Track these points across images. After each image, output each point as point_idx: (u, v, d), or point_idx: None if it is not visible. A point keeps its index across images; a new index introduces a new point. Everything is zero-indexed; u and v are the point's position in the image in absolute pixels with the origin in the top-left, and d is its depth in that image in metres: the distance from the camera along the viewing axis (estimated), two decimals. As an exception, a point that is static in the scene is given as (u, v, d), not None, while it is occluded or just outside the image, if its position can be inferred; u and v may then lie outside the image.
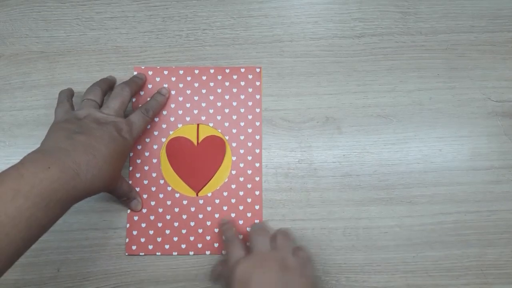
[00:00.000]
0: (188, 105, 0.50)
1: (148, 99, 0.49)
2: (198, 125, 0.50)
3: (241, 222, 0.48)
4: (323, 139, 0.50)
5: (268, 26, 0.53)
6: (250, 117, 0.50)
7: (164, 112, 0.50)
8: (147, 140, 0.49)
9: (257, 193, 0.48)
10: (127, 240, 0.47)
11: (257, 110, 0.50)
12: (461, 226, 0.48)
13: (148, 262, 0.47)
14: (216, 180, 0.49)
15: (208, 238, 0.47)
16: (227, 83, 0.51)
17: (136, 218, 0.48)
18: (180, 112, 0.50)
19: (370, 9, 0.53)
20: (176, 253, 0.47)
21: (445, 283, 0.47)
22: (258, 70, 0.51)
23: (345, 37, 0.52)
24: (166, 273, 0.47)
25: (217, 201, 0.48)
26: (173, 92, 0.51)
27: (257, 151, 0.49)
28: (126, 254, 0.47)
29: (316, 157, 0.50)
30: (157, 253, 0.47)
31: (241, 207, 0.48)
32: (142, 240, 0.47)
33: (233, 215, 0.48)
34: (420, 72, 0.52)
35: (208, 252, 0.47)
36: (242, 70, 0.51)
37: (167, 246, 0.47)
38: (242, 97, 0.50)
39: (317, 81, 0.51)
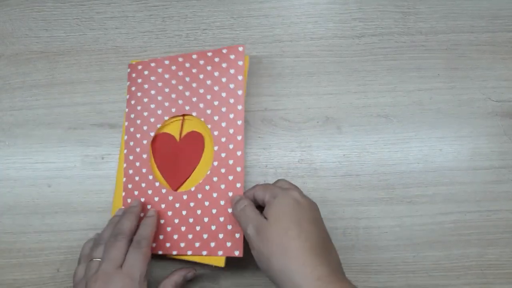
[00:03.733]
0: (173, 95, 0.49)
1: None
2: (183, 119, 0.49)
3: (221, 219, 0.45)
4: (323, 139, 0.50)
5: (268, 26, 0.53)
6: (231, 101, 0.47)
7: (152, 106, 0.49)
8: (138, 135, 0.49)
9: (238, 185, 0.45)
10: None
11: (239, 92, 0.47)
12: (462, 226, 0.48)
13: (148, 262, 0.47)
14: (198, 172, 0.47)
15: (190, 236, 0.45)
16: (209, 68, 0.48)
17: None
18: (167, 104, 0.49)
19: (370, 9, 0.53)
20: (175, 253, 0.45)
21: (445, 283, 0.47)
22: (241, 49, 0.48)
23: (345, 37, 0.52)
24: (166, 273, 0.47)
25: (199, 195, 0.46)
26: (159, 84, 0.49)
27: (239, 138, 0.46)
28: None
29: (316, 157, 0.50)
30: (159, 252, 0.46)
31: (222, 202, 0.45)
32: None
33: (214, 211, 0.45)
34: (420, 72, 0.52)
35: (204, 253, 0.45)
36: (224, 51, 0.48)
37: (168, 245, 0.46)
38: (224, 80, 0.48)
39: (317, 81, 0.51)
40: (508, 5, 0.53)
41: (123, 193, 0.48)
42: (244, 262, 0.47)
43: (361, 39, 0.52)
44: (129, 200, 0.48)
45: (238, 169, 0.45)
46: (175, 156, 0.49)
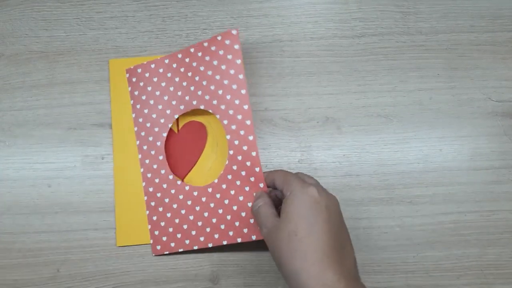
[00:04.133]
0: (179, 93, 0.49)
1: None
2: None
3: (249, 204, 0.45)
4: (323, 139, 0.50)
5: (268, 26, 0.53)
6: (234, 86, 0.46)
7: (160, 106, 0.49)
8: (150, 138, 0.49)
9: (257, 169, 0.45)
10: (151, 241, 0.47)
11: (240, 76, 0.46)
12: (461, 226, 0.48)
13: (147, 262, 0.47)
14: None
15: (222, 227, 0.46)
16: (207, 58, 0.48)
17: (155, 218, 0.48)
18: (174, 102, 0.49)
19: (370, 9, 0.53)
20: (196, 247, 0.46)
21: (445, 283, 0.47)
22: (234, 32, 0.47)
23: (345, 37, 0.52)
24: (165, 273, 0.47)
25: (224, 186, 0.47)
26: (163, 84, 0.49)
27: (248, 122, 0.46)
28: (153, 255, 0.47)
29: (316, 157, 0.50)
30: (180, 250, 0.47)
31: (247, 188, 0.46)
32: (164, 239, 0.47)
33: (241, 198, 0.46)
34: (420, 72, 0.52)
35: (225, 242, 0.46)
36: (219, 38, 0.47)
37: (187, 242, 0.47)
38: (223, 67, 0.47)
39: (317, 81, 0.51)
40: (508, 5, 0.53)
41: (145, 197, 0.48)
42: (243, 262, 0.47)
43: (361, 39, 0.52)
44: (152, 204, 0.48)
45: (253, 153, 0.45)
46: (176, 146, 0.49)
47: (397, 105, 0.51)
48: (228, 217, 0.46)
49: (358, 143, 0.50)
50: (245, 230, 0.46)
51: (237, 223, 0.46)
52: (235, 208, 0.46)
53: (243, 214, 0.46)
